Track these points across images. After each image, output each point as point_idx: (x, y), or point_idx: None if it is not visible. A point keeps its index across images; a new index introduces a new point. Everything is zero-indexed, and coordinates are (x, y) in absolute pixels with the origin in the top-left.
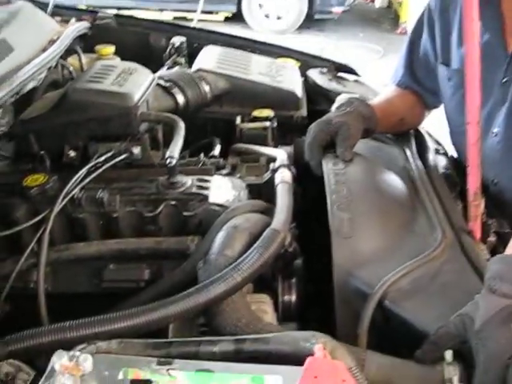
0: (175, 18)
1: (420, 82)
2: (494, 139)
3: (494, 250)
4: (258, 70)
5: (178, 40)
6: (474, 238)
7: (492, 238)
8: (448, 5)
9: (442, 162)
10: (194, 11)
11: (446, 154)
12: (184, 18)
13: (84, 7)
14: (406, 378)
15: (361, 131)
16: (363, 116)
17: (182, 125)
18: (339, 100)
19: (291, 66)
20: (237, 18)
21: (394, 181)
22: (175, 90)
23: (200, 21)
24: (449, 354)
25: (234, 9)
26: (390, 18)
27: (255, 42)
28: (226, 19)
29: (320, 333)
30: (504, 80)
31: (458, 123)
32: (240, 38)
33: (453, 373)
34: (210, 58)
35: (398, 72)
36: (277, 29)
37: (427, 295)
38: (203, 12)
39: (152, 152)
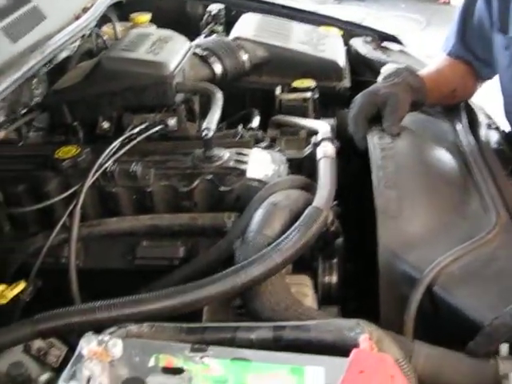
0: None
1: (473, 52)
2: None
3: None
4: (298, 38)
5: (215, 7)
6: None
7: None
8: None
9: (494, 137)
10: None
11: (498, 128)
12: None
13: None
14: (456, 371)
15: (409, 103)
16: (412, 87)
17: (219, 95)
18: (386, 70)
19: (334, 34)
20: None
21: (445, 157)
22: (212, 59)
23: None
24: (504, 348)
25: None
26: None
27: (296, 9)
28: None
29: (365, 321)
30: None
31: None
32: (280, 5)
33: (509, 368)
34: (248, 25)
35: (450, 41)
36: None
37: (481, 282)
38: None
39: (188, 124)
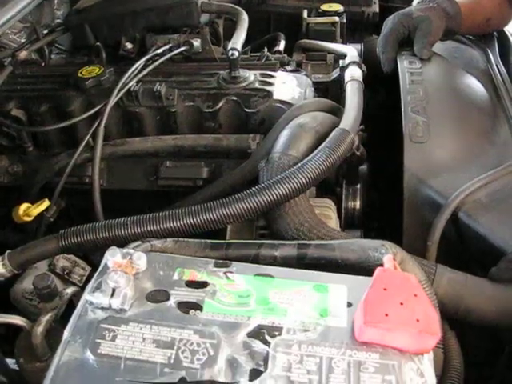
0: None
1: None
2: None
3: None
4: None
5: None
6: None
7: None
8: None
9: None
10: None
11: None
12: None
13: None
14: (478, 295)
15: (442, 29)
16: (447, 13)
17: (245, 16)
18: None
19: None
20: None
21: (475, 85)
22: None
23: None
24: None
25: None
26: None
27: None
28: None
29: (389, 242)
30: None
31: None
32: None
33: None
34: None
35: None
36: None
37: (506, 210)
38: None
39: (213, 47)
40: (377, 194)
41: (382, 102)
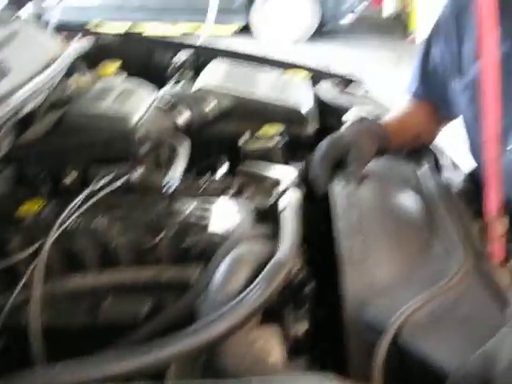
0: (184, 34)
1: (435, 94)
2: (510, 156)
3: None
4: (264, 85)
5: (183, 54)
6: (495, 263)
7: None
8: (462, 12)
9: (458, 177)
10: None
11: (461, 168)
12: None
13: (91, 24)
14: None
15: (374, 151)
16: (376, 135)
17: (185, 145)
18: (350, 115)
19: (301, 79)
20: (246, 30)
21: (408, 202)
22: (177, 110)
23: (210, 36)
24: None
25: (243, 21)
26: (399, 26)
27: (264, 58)
28: (236, 32)
29: (330, 375)
30: None
31: (474, 135)
32: (248, 54)
33: None
34: (214, 74)
35: (412, 83)
36: (287, 40)
37: (446, 329)
38: (213, 25)
39: (155, 175)
40: (324, 312)
41: (324, 216)
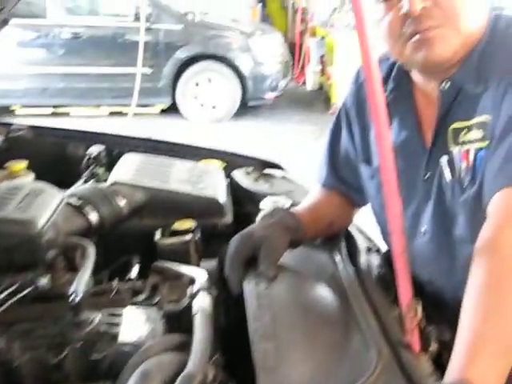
0: (111, 113)
1: (345, 181)
2: (424, 238)
3: (438, 358)
4: (178, 177)
5: (95, 149)
6: (414, 352)
7: (434, 347)
8: (363, 101)
9: (375, 261)
10: (129, 105)
11: (378, 250)
12: (120, 113)
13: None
14: None
15: (286, 244)
16: (289, 227)
17: (91, 250)
18: (265, 204)
19: (215, 168)
20: (172, 109)
21: (324, 295)
22: (87, 209)
23: (136, 114)
24: None
25: (169, 101)
26: (321, 99)
27: (178, 145)
28: (162, 111)
29: None
30: (426, 176)
31: (384, 224)
32: (162, 142)
33: None
34: (127, 168)
35: (322, 172)
36: (212, 118)
37: None
38: (138, 105)
39: (62, 282)
40: None
41: (239, 316)
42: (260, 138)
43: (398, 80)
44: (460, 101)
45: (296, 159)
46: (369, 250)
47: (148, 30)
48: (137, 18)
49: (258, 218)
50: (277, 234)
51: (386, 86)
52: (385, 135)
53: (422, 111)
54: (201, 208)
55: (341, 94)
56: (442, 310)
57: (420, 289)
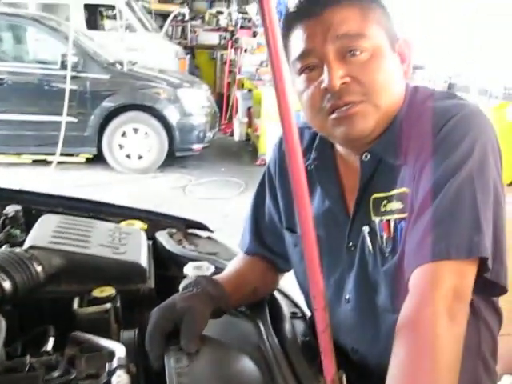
0: (34, 162)
1: (269, 248)
2: (347, 306)
3: None
4: (99, 240)
5: (12, 209)
6: None
7: None
8: (285, 171)
9: (299, 327)
10: (53, 154)
11: (303, 316)
12: (44, 161)
13: None
14: None
15: (209, 315)
16: (212, 296)
17: (2, 323)
18: (187, 270)
19: (137, 230)
20: (98, 158)
21: (248, 368)
22: (1, 276)
23: (60, 163)
24: None
25: (94, 150)
26: (249, 150)
27: (100, 204)
28: (88, 160)
29: None
30: (349, 245)
31: (308, 291)
32: (83, 200)
33: None
34: (45, 230)
35: (246, 238)
36: (139, 168)
37: None
38: (62, 154)
39: None
40: None
41: None
42: (187, 190)
43: (321, 149)
44: (380, 172)
45: (222, 211)
46: (294, 315)
47: (75, 78)
48: (63, 66)
49: (180, 286)
50: (199, 306)
51: (309, 154)
52: (305, 205)
53: (345, 180)
54: (122, 273)
55: (268, 146)
56: (367, 379)
57: (345, 357)
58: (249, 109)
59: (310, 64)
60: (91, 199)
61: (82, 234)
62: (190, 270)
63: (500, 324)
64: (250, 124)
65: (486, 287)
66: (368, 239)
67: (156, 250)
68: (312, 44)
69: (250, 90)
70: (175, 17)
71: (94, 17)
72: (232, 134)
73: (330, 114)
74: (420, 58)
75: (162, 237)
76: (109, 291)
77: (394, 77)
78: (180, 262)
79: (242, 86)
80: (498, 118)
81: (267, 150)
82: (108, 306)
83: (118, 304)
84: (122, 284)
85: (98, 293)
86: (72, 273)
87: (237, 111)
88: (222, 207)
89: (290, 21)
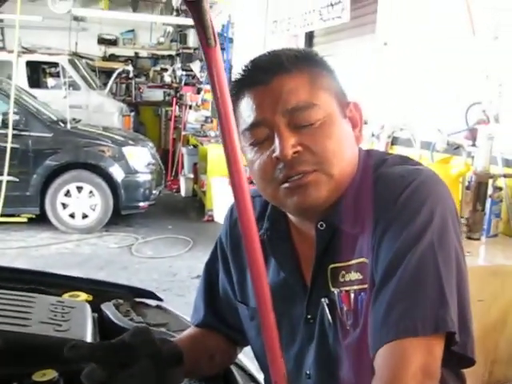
0: None
1: (225, 321)
2: (308, 381)
3: None
4: (39, 317)
5: None
6: None
7: None
8: (239, 238)
9: None
10: None
11: None
12: None
13: None
14: None
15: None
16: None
17: None
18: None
19: (81, 303)
20: (42, 218)
21: None
22: None
23: (1, 223)
24: None
25: (37, 210)
26: (195, 206)
27: (41, 274)
28: (30, 220)
29: None
30: (308, 317)
31: (266, 366)
32: (23, 271)
33: None
34: None
35: (199, 312)
36: (84, 227)
37: None
38: (3, 215)
39: None
40: None
41: None
42: (133, 248)
43: (274, 218)
44: (337, 241)
45: (171, 270)
46: None
47: (16, 136)
48: (4, 125)
49: None
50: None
51: (261, 224)
52: (261, 277)
53: (301, 250)
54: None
55: (215, 201)
56: None
57: None
58: (195, 164)
59: (261, 134)
60: (31, 269)
61: (21, 310)
62: None
63: None
64: (196, 180)
65: (453, 359)
66: (327, 311)
67: (102, 324)
68: (262, 114)
69: (195, 146)
70: (119, 74)
71: (37, 74)
72: (178, 191)
73: (282, 184)
74: (364, 114)
75: (108, 309)
76: (51, 374)
77: (346, 144)
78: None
79: (188, 142)
80: (442, 172)
81: (214, 205)
82: None
83: None
84: (65, 364)
85: (38, 376)
86: (9, 354)
87: (182, 167)
88: (171, 265)
89: (239, 88)
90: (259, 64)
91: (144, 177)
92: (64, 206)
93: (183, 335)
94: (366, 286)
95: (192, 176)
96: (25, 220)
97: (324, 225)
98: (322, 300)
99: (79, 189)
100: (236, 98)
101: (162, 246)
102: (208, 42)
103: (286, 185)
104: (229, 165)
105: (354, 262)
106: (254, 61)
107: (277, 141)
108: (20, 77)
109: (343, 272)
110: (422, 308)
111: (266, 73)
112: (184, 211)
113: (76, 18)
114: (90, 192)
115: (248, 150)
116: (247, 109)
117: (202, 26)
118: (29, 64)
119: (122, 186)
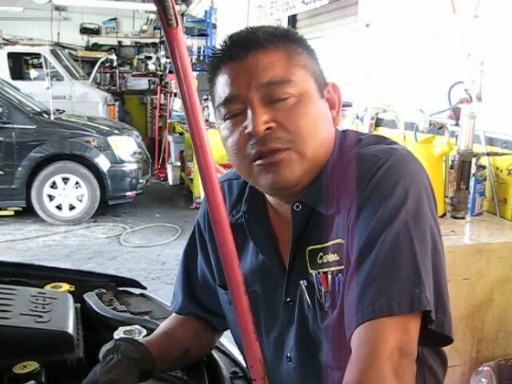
0: None
1: (203, 306)
2: (289, 364)
3: None
4: (20, 309)
5: None
6: None
7: None
8: None
9: None
10: None
11: (245, 375)
12: None
13: None
14: None
15: (136, 380)
16: (135, 360)
17: None
18: (117, 335)
19: (63, 294)
20: (28, 210)
21: None
22: None
23: None
24: None
25: (23, 203)
26: (183, 194)
27: (23, 266)
28: (17, 213)
29: None
30: (287, 300)
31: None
32: (4, 263)
33: None
34: None
35: (178, 298)
36: (71, 219)
37: None
38: None
39: None
40: None
41: None
42: (121, 238)
43: (251, 201)
44: (314, 222)
45: (159, 258)
46: (234, 374)
47: (0, 129)
48: None
49: (100, 355)
50: (123, 373)
51: (239, 207)
52: (232, 261)
53: (279, 232)
54: (46, 344)
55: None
56: None
57: None
58: (181, 152)
59: (235, 110)
60: (13, 262)
61: (1, 303)
62: (120, 335)
63: (445, 366)
64: (183, 168)
65: (430, 338)
66: (306, 293)
67: (85, 314)
68: (236, 90)
69: (181, 134)
70: (103, 63)
71: (19, 66)
72: (166, 179)
73: (255, 161)
74: (348, 96)
75: (91, 298)
76: (32, 366)
77: (321, 123)
78: (111, 325)
79: (174, 129)
80: (425, 152)
81: (201, 192)
82: (31, 383)
83: (43, 379)
84: (46, 356)
85: (19, 369)
86: None
87: (169, 155)
88: (159, 254)
89: (215, 64)
90: (236, 40)
91: (130, 166)
92: (50, 197)
93: (159, 332)
94: (342, 267)
95: (179, 164)
96: (11, 213)
97: (300, 206)
98: (301, 282)
99: (65, 180)
100: (213, 74)
101: (150, 234)
102: (169, 22)
103: (259, 161)
104: (195, 147)
105: (331, 243)
106: (232, 37)
107: (249, 116)
108: (2, 69)
109: (321, 253)
110: (397, 287)
111: (242, 48)
112: (172, 199)
113: (57, 8)
114: (77, 183)
115: (222, 126)
116: (222, 84)
117: (162, 5)
118: (10, 55)
119: (108, 176)
